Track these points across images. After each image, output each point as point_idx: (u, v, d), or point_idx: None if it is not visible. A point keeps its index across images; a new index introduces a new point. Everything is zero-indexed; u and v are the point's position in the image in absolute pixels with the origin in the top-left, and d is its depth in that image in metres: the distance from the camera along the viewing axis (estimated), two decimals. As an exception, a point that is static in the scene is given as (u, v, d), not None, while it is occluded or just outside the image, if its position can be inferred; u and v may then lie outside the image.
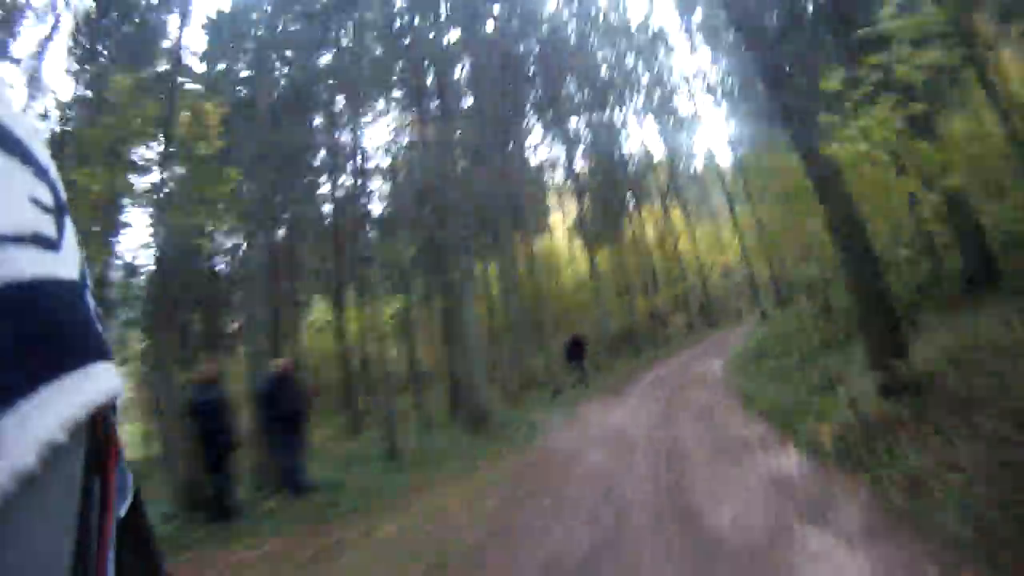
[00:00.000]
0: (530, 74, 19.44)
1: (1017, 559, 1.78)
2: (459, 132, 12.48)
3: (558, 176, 22.61)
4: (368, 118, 12.81)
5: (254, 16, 11.43)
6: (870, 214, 5.03)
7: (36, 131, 0.23)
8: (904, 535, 2.18)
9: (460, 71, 14.87)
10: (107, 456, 0.24)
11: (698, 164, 27.35)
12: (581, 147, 22.44)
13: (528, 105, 19.92)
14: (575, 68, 21.39)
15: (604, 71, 23.27)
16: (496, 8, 16.60)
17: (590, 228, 21.04)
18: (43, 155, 0.23)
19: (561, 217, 23.64)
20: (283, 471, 5.16)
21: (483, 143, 13.50)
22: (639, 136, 25.28)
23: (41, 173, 0.22)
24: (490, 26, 16.17)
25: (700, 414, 5.40)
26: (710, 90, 21.65)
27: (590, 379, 11.05)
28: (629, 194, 22.61)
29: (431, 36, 12.95)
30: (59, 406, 0.19)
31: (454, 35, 14.34)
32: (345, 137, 12.06)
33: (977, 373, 3.31)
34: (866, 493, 2.66)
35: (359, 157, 11.99)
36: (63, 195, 0.24)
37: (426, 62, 13.16)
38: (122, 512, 0.26)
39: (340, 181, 12.30)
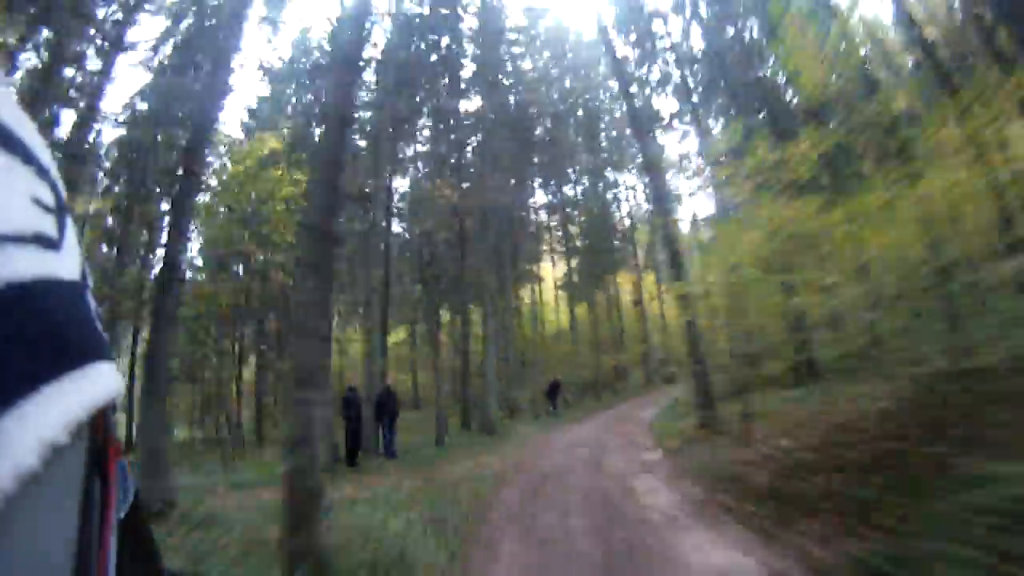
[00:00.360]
0: (535, 140, 23.28)
1: (737, 489, 5.66)
2: (472, 188, 15.88)
3: (553, 235, 26.78)
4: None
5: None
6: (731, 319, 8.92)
7: (37, 132, 0.24)
8: (691, 480, 6.01)
9: (476, 134, 18.44)
10: (107, 456, 0.25)
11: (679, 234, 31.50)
12: (576, 213, 26.70)
13: (533, 169, 24.00)
14: (578, 143, 25.59)
15: (604, 144, 26.98)
16: (510, 81, 20.64)
17: (575, 286, 25.27)
18: (44, 155, 0.23)
19: (551, 272, 27.65)
20: (385, 444, 8.90)
21: (493, 202, 17.09)
22: (628, 206, 29.60)
23: (42, 173, 0.22)
24: (504, 96, 19.81)
25: (622, 433, 9.32)
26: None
27: (561, 411, 14.91)
28: (612, 257, 26.68)
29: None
30: (60, 406, 0.19)
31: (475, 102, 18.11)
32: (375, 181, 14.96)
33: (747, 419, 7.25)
34: (679, 466, 6.50)
35: (386, 196, 15.16)
36: (64, 195, 0.24)
37: (451, 121, 16.96)
38: (122, 512, 0.27)
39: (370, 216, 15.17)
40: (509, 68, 20.90)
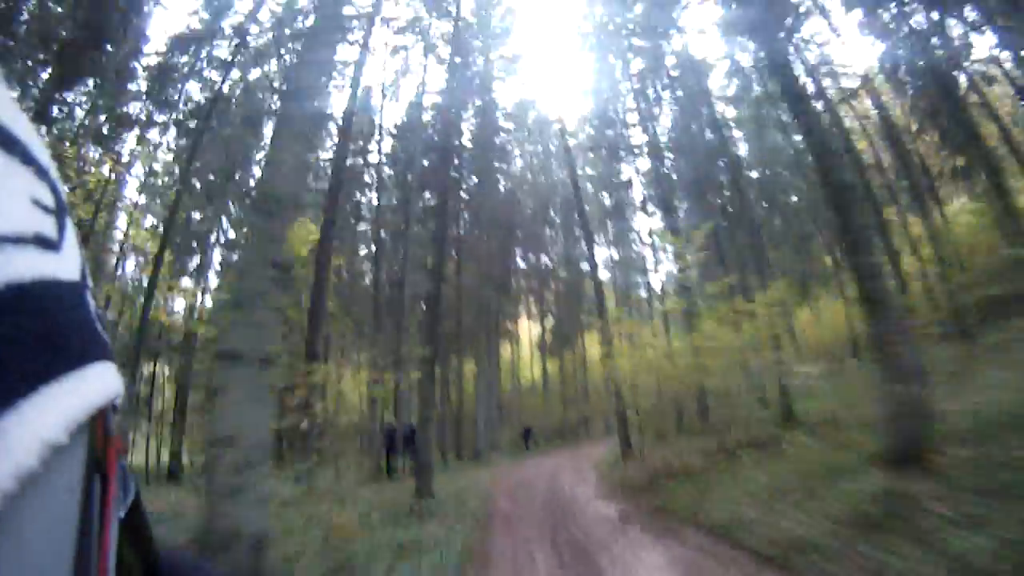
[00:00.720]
0: (519, 219, 27.74)
1: (635, 493, 9.70)
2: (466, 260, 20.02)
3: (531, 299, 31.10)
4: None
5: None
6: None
7: (36, 131, 0.24)
8: (605, 484, 10.03)
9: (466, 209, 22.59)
10: (107, 456, 0.25)
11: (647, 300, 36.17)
12: (552, 282, 31.15)
13: (516, 241, 28.44)
14: (556, 221, 30.27)
15: (579, 222, 31.65)
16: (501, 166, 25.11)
17: (549, 345, 29.48)
18: (44, 156, 0.23)
19: (528, 331, 31.89)
20: (416, 462, 12.71)
21: (481, 272, 21.21)
22: (601, 274, 34.04)
23: (42, 174, 0.23)
24: (494, 180, 24.17)
25: (574, 463, 13.27)
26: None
27: (533, 449, 18.77)
28: (583, 319, 30.98)
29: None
30: (60, 406, 0.19)
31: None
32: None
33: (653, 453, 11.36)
34: (602, 477, 10.47)
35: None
36: (64, 196, 0.24)
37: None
38: (123, 512, 0.27)
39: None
40: (499, 157, 25.58)
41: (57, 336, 0.20)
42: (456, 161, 21.04)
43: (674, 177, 20.15)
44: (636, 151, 21.73)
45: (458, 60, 20.34)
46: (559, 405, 25.60)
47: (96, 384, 0.21)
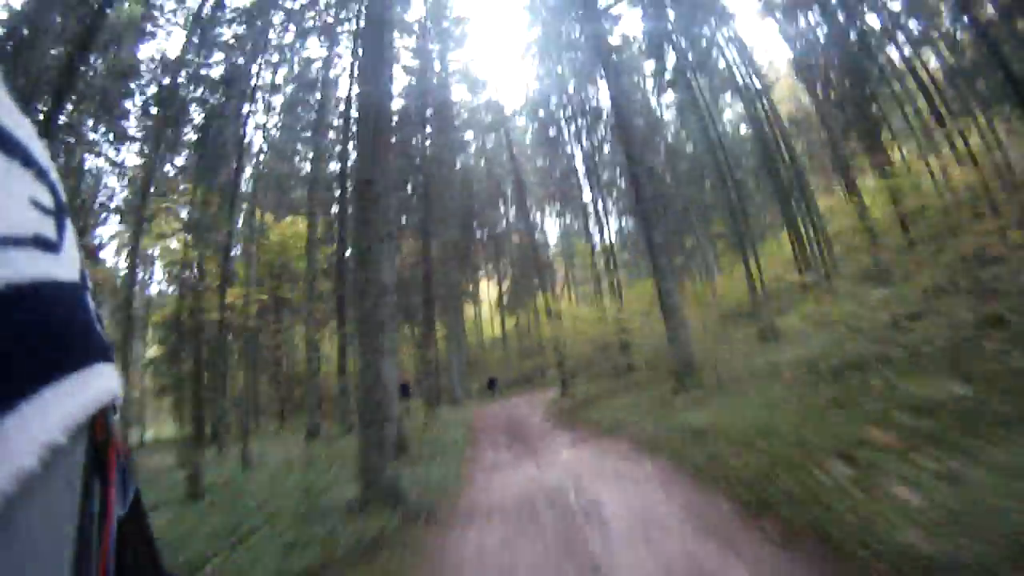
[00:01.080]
0: (477, 195, 31.46)
1: (561, 414, 14.05)
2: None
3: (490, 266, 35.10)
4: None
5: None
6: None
7: (36, 134, 0.24)
8: (547, 413, 14.34)
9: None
10: (107, 456, 0.25)
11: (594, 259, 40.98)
12: (508, 247, 35.06)
13: (474, 216, 32.17)
14: (510, 196, 33.95)
15: (533, 188, 35.48)
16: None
17: (507, 304, 33.67)
18: (44, 157, 0.23)
19: (488, 293, 35.98)
20: (408, 407, 16.73)
21: (447, 247, 24.96)
22: (552, 236, 38.59)
23: (42, 175, 0.23)
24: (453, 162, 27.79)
25: (529, 402, 17.63)
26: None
27: (498, 395, 23.16)
28: (536, 281, 35.30)
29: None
30: (60, 408, 0.19)
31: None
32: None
33: (571, 387, 15.76)
34: (547, 411, 14.73)
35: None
36: (63, 197, 0.24)
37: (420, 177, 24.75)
38: (122, 512, 0.27)
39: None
40: (458, 148, 28.81)
41: (57, 337, 0.20)
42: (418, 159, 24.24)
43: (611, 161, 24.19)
44: (576, 141, 25.40)
45: (418, 65, 23.26)
46: (517, 358, 30.04)
47: (96, 385, 0.22)
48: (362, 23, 16.38)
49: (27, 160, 0.22)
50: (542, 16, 23.20)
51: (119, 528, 0.26)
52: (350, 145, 17.88)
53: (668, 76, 20.94)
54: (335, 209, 19.90)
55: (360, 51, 14.65)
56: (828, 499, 2.93)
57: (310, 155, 21.14)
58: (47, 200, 0.23)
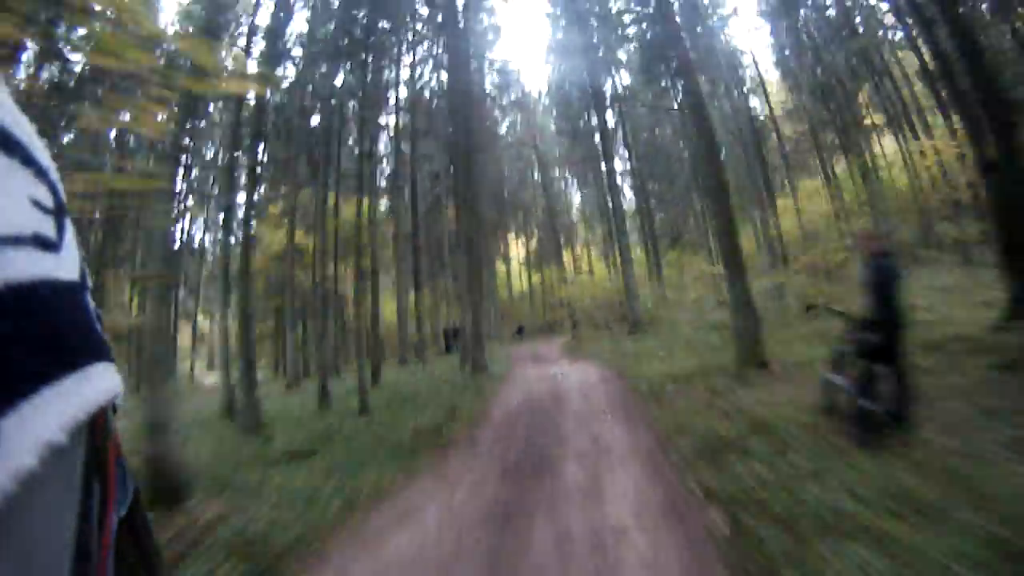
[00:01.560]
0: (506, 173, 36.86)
1: (570, 349, 20.06)
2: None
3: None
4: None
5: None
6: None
7: (36, 133, 0.24)
8: (561, 350, 20.33)
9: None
10: (107, 456, 0.25)
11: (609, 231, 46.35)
12: (535, 214, 40.48)
13: (506, 193, 37.59)
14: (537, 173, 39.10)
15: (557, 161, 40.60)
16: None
17: (533, 263, 39.45)
18: (44, 157, 0.24)
19: (517, 251, 41.76)
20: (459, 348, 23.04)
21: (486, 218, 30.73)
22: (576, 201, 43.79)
23: (41, 174, 0.23)
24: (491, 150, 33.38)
25: (549, 344, 23.71)
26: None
27: (526, 339, 29.35)
28: (562, 239, 40.89)
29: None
30: (60, 407, 0.19)
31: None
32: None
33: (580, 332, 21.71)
34: (561, 348, 20.73)
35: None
36: (63, 196, 0.24)
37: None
38: (122, 512, 0.27)
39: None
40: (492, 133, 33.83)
41: (57, 337, 0.20)
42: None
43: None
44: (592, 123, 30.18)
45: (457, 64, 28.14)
46: (542, 309, 36.04)
47: (96, 385, 0.22)
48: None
49: (27, 159, 0.22)
50: (561, 24, 27.64)
51: (119, 528, 0.26)
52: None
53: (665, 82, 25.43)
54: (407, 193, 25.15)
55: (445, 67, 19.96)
56: (648, 369, 8.80)
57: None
58: (47, 199, 0.23)
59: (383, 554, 3.00)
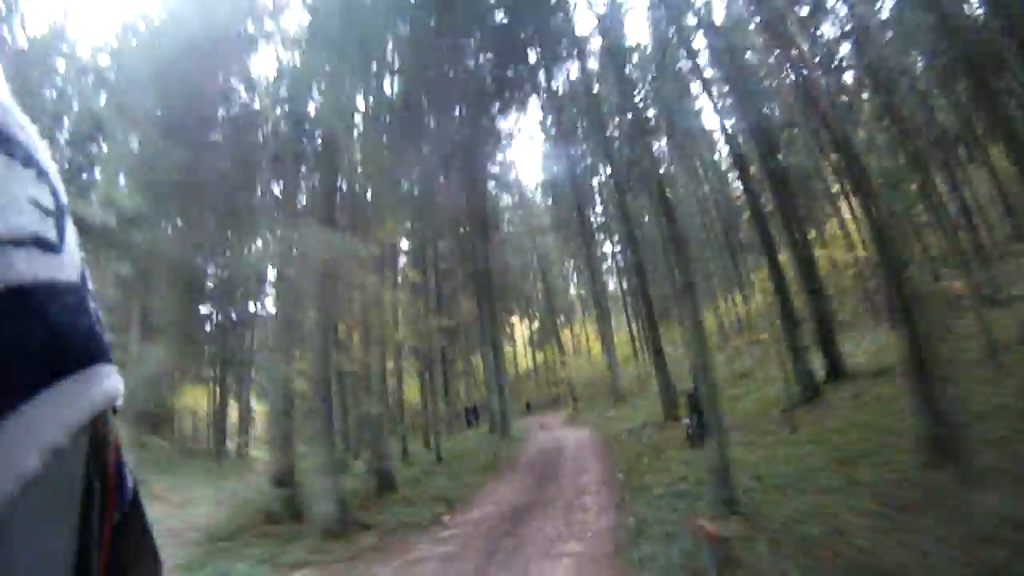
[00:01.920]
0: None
1: (572, 420, 24.34)
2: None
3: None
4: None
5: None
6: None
7: (38, 135, 0.24)
8: (566, 422, 24.56)
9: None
10: (107, 457, 0.25)
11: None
12: (535, 299, 45.67)
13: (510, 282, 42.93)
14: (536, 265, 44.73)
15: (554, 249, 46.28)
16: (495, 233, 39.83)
17: (536, 342, 44.16)
18: (45, 158, 0.24)
19: (521, 332, 46.62)
20: (478, 424, 27.23)
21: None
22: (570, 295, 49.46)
23: (42, 176, 0.23)
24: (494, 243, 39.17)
25: (554, 417, 27.96)
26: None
27: (534, 413, 33.51)
28: (561, 319, 45.69)
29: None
30: (61, 409, 0.19)
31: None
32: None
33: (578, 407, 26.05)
34: (564, 421, 24.96)
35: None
36: (64, 198, 0.24)
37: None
38: (122, 512, 0.27)
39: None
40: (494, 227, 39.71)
41: (58, 339, 0.20)
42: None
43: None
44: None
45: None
46: (545, 385, 40.34)
47: (97, 387, 0.22)
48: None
49: (28, 160, 0.22)
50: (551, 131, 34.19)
51: (119, 528, 0.26)
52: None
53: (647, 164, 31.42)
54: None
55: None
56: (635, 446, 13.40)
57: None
58: (48, 201, 0.23)
59: (491, 499, 7.64)
